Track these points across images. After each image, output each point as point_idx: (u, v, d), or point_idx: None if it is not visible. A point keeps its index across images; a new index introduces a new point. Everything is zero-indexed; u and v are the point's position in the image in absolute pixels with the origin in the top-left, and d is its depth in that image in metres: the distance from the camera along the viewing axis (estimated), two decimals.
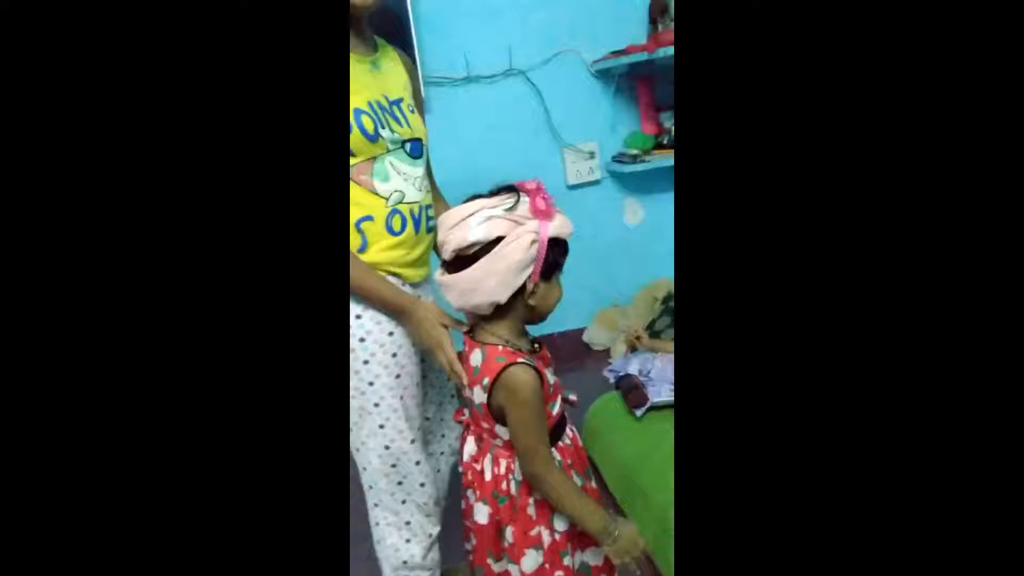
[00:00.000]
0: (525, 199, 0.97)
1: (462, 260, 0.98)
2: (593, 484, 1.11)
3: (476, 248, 0.96)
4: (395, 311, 1.19)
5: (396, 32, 2.40)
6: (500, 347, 1.01)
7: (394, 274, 1.21)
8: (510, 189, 0.99)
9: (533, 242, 0.96)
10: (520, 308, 1.02)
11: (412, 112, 1.26)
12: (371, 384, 1.20)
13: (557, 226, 0.98)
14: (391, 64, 1.27)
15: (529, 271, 0.97)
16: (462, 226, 0.96)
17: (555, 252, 0.99)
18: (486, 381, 1.00)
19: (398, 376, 1.22)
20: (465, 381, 1.06)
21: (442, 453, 1.47)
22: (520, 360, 0.98)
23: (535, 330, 1.11)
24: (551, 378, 1.05)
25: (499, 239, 0.95)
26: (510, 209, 0.96)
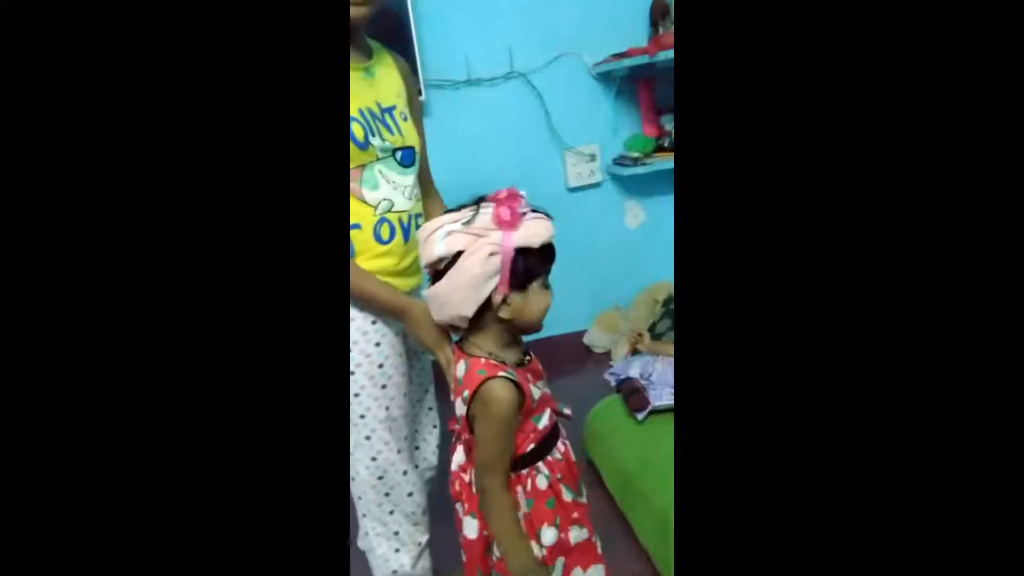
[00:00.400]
0: (486, 210, 0.95)
1: (436, 274, 0.99)
2: (584, 499, 1.09)
3: (444, 263, 0.97)
4: (394, 313, 1.18)
5: (396, 34, 2.40)
6: (483, 359, 1.00)
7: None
8: (478, 201, 0.98)
9: (491, 254, 0.94)
10: (496, 320, 1.00)
11: (405, 120, 1.24)
12: (356, 395, 1.20)
13: (523, 235, 0.95)
14: (385, 71, 1.26)
15: (493, 283, 0.96)
16: (429, 241, 0.97)
17: (528, 261, 0.96)
18: (466, 393, 0.99)
19: (384, 387, 1.21)
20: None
21: (416, 466, 1.43)
22: (501, 374, 0.97)
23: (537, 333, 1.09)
24: (536, 392, 1.03)
25: (460, 253, 0.95)
26: (468, 222, 0.95)
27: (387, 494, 1.26)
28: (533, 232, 0.95)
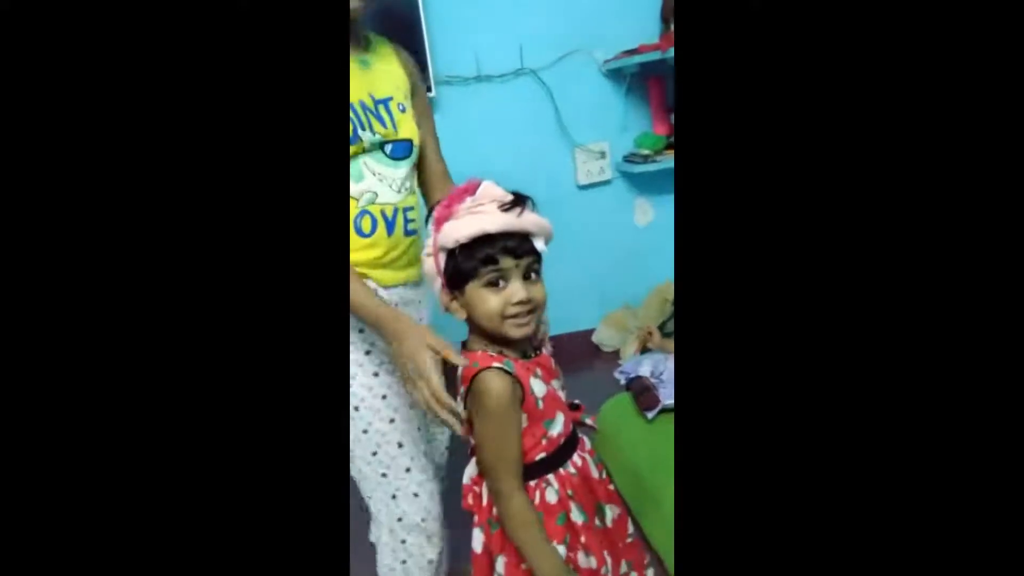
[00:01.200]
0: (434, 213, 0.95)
1: None
2: (598, 523, 1.00)
3: None
4: (372, 325, 1.06)
5: (407, 30, 2.40)
6: (480, 352, 0.94)
7: (364, 275, 1.14)
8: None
9: (427, 255, 0.95)
10: (472, 322, 0.96)
11: (402, 111, 1.19)
12: (356, 409, 1.14)
13: (441, 236, 0.91)
14: (384, 61, 1.21)
15: (439, 283, 0.95)
16: None
17: (454, 261, 0.92)
18: (463, 390, 0.94)
19: (376, 375, 1.15)
20: (455, 426, 0.94)
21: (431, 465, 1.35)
22: (496, 365, 0.90)
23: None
24: (542, 388, 0.95)
25: None
26: (427, 224, 0.96)
27: (393, 496, 1.18)
28: (447, 232, 0.91)
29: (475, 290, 0.91)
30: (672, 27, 2.60)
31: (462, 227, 0.89)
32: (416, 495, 1.18)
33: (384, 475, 1.17)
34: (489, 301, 0.90)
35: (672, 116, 2.74)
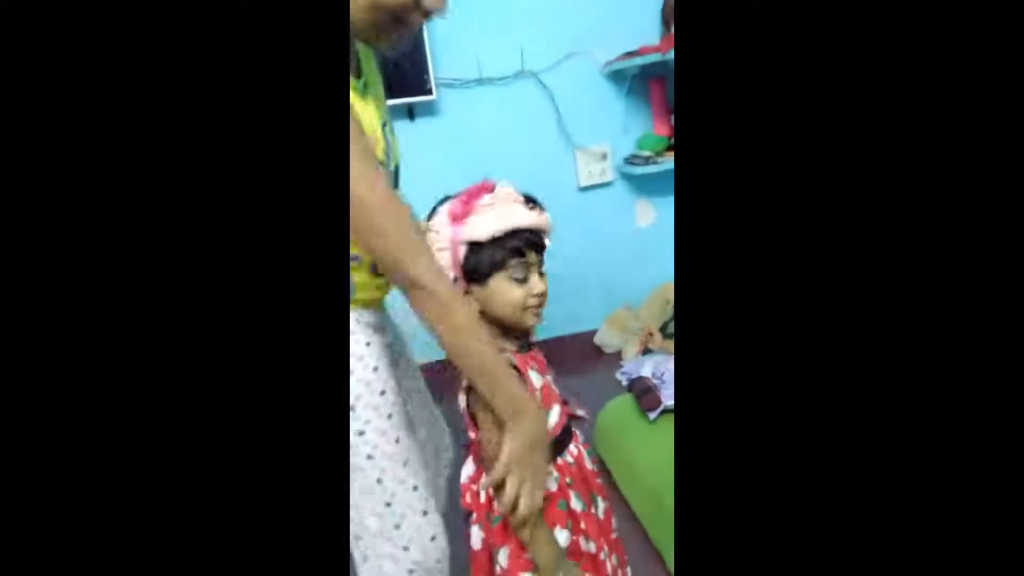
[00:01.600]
0: (443, 207, 0.97)
1: None
2: (595, 511, 1.02)
3: None
4: (508, 412, 0.89)
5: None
6: None
7: (367, 308, 1.05)
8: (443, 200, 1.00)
9: (440, 249, 0.96)
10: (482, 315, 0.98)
11: (392, 133, 1.08)
12: (370, 458, 1.01)
13: (469, 229, 0.94)
14: (372, 75, 1.08)
15: (450, 276, 0.96)
16: None
17: (481, 254, 0.94)
18: (464, 383, 0.95)
19: (390, 416, 1.02)
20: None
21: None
22: None
23: (549, 332, 1.06)
24: (538, 379, 0.98)
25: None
26: (428, 219, 0.99)
27: (405, 548, 1.03)
28: (478, 225, 0.94)
29: (500, 282, 0.95)
30: (672, 29, 2.60)
31: (495, 221, 0.94)
32: (433, 538, 1.06)
33: (397, 526, 1.02)
34: (514, 292, 0.95)
35: (672, 118, 2.75)
